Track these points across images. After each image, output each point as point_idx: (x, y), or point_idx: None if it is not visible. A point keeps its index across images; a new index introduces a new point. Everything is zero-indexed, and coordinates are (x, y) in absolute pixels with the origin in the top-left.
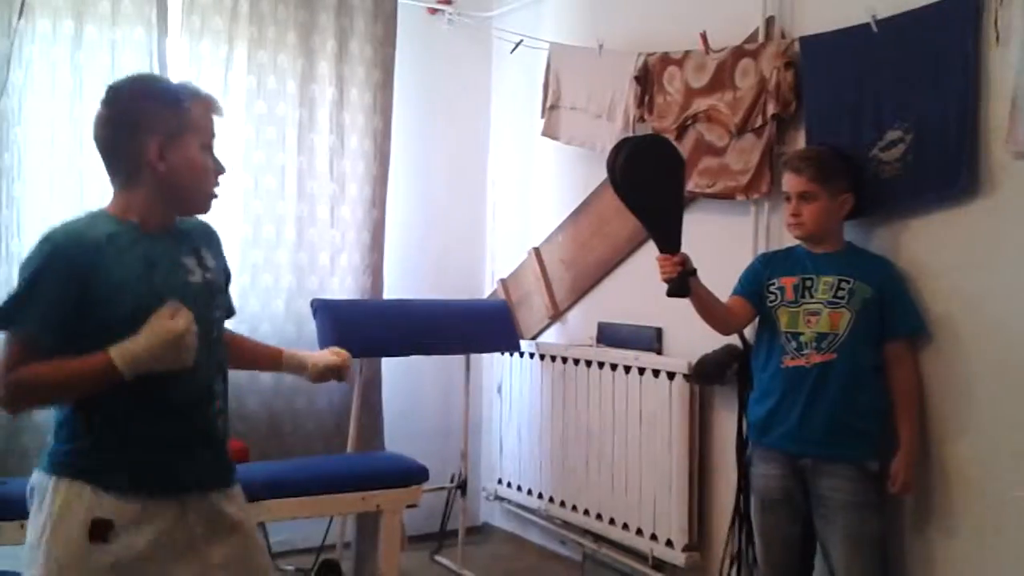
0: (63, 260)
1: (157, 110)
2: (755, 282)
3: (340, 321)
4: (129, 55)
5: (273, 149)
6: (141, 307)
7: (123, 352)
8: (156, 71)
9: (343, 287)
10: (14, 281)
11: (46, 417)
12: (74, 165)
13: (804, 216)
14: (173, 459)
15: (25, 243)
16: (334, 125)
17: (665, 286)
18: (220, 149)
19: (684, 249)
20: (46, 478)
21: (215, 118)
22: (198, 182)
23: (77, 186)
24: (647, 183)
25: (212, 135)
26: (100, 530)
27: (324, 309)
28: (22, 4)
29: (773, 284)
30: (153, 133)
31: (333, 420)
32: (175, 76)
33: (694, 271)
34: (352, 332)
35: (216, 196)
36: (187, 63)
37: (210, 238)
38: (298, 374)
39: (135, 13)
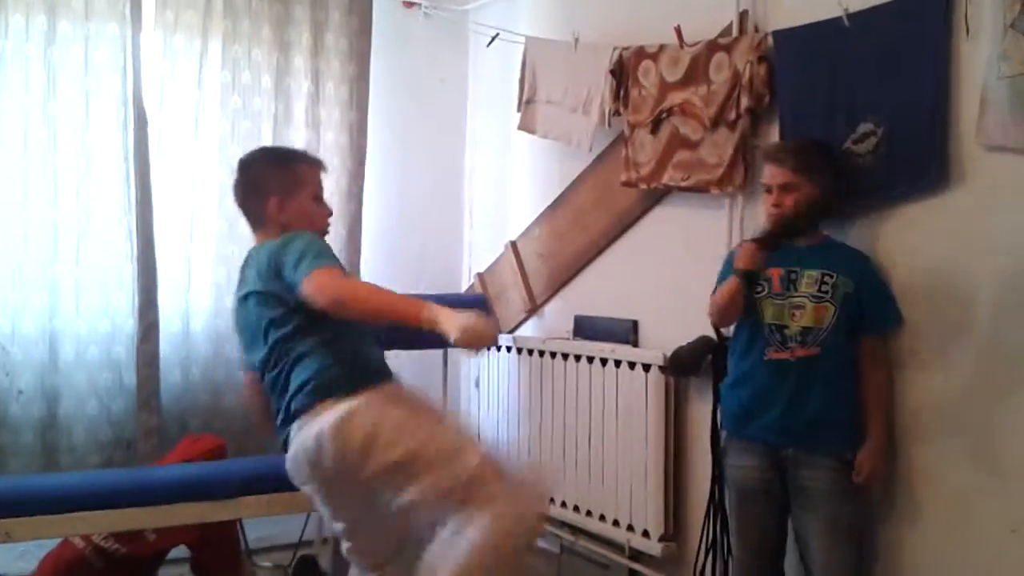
0: None
1: (275, 174)
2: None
3: None
4: (103, 50)
5: (249, 143)
6: None
7: (436, 310)
8: (130, 66)
9: None
10: None
11: (20, 415)
12: (48, 163)
13: (785, 208)
14: None
15: (2, 240)
16: (310, 119)
17: (642, 285)
18: (203, 143)
19: (660, 242)
20: None
21: (322, 174)
22: (310, 226)
23: (51, 183)
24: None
25: (319, 187)
26: None
27: None
28: None
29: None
30: (273, 193)
31: None
32: (149, 71)
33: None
34: None
35: (327, 233)
36: (161, 57)
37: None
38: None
39: (108, 8)
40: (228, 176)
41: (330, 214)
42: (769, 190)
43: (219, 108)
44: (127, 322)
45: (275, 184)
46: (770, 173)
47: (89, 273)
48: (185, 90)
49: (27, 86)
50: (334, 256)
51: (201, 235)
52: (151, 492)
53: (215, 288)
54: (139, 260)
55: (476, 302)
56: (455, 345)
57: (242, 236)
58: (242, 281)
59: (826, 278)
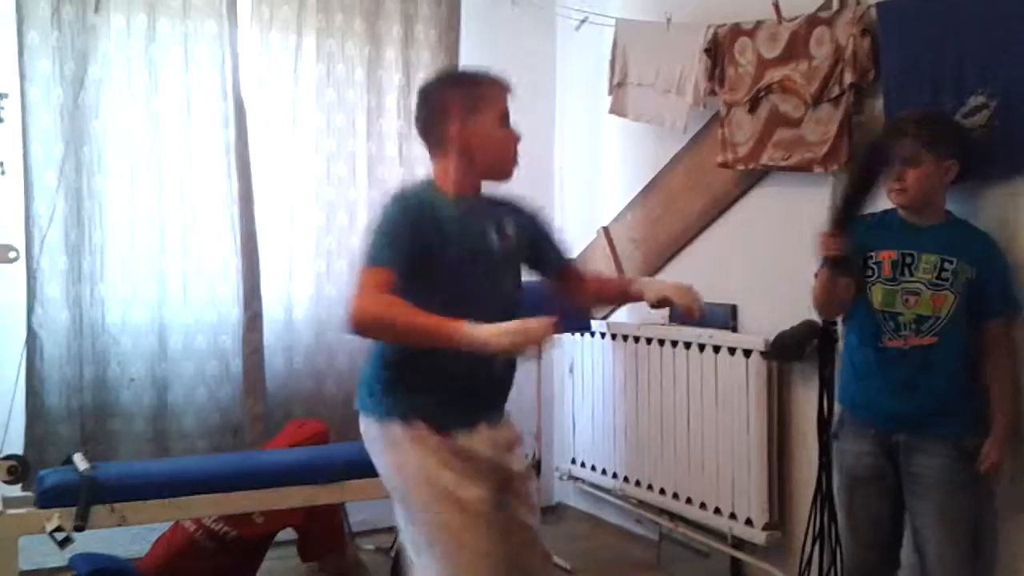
0: (410, 214)
1: (456, 93)
2: (858, 254)
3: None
4: (201, 47)
5: (343, 136)
6: (461, 259)
7: (473, 331)
8: (228, 62)
9: None
10: (99, 272)
11: (132, 403)
12: (152, 157)
13: (908, 182)
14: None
15: (108, 235)
16: (402, 110)
17: (741, 268)
18: (300, 136)
19: (759, 224)
20: None
21: (507, 95)
22: (496, 151)
23: (156, 178)
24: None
25: (505, 109)
26: None
27: None
28: (97, 0)
29: (871, 257)
30: (454, 114)
31: None
32: (246, 67)
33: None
34: None
35: (516, 163)
36: (258, 53)
37: (518, 211)
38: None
39: (206, 5)
40: (324, 169)
41: (518, 140)
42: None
43: (314, 101)
44: (232, 312)
45: (456, 104)
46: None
47: (195, 264)
48: (281, 84)
49: (130, 84)
50: (392, 246)
51: (301, 226)
52: (259, 476)
53: (316, 277)
54: (243, 251)
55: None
56: (495, 350)
57: (340, 227)
58: None
59: (946, 264)
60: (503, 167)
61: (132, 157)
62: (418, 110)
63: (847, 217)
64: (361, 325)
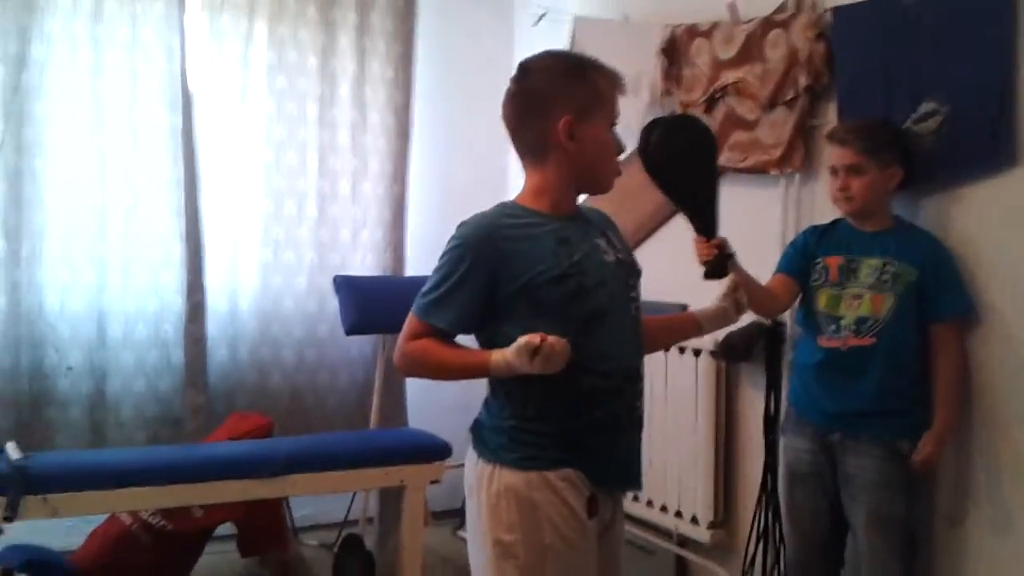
0: (473, 255)
1: (569, 87)
2: (802, 258)
3: (362, 298)
4: (149, 29)
5: (294, 124)
6: (562, 277)
7: (496, 357)
8: (176, 46)
9: (364, 264)
10: (38, 256)
11: (69, 391)
12: (95, 140)
13: (853, 190)
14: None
15: (48, 217)
16: (355, 100)
17: (695, 269)
18: (249, 123)
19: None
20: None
21: (619, 97)
22: (605, 161)
23: (99, 161)
24: (682, 164)
25: (617, 113)
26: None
27: (346, 286)
28: None
29: (819, 263)
30: (564, 111)
31: (355, 396)
32: (195, 50)
33: (732, 254)
34: (374, 309)
35: (619, 174)
36: (208, 38)
37: (611, 224)
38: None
39: None
40: (274, 157)
41: (622, 150)
42: (835, 172)
43: (265, 88)
44: (175, 301)
45: (567, 100)
46: (835, 154)
47: (137, 251)
48: (231, 70)
49: (74, 64)
50: (448, 285)
51: (247, 215)
52: (198, 469)
53: (262, 268)
54: (186, 239)
55: None
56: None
57: (288, 217)
58: None
59: (887, 267)
60: (606, 181)
61: (75, 139)
62: (512, 95)
63: (707, 221)
64: (404, 371)
